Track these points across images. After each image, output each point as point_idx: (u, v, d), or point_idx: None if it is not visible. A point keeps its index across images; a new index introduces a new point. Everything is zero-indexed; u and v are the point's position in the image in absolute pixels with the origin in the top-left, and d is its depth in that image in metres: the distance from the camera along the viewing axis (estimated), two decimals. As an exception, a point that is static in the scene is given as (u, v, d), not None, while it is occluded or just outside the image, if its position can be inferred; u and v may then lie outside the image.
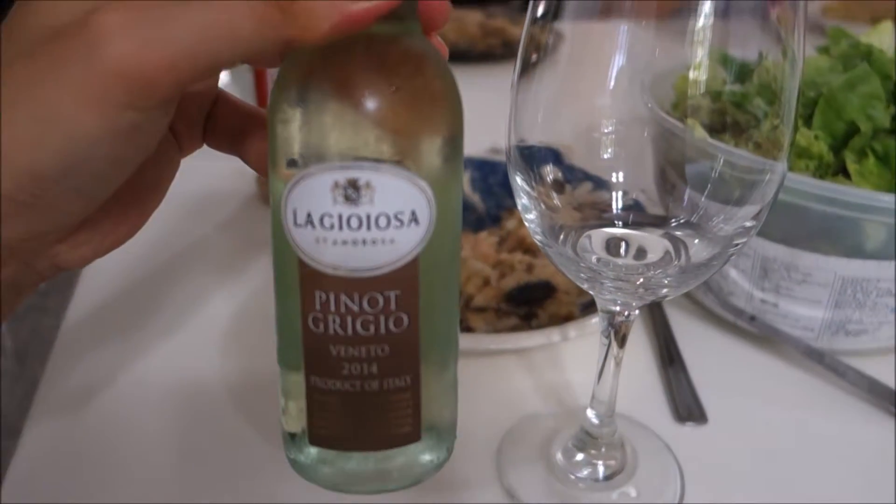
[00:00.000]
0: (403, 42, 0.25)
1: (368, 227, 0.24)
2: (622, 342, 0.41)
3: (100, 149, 0.22)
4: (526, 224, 0.38)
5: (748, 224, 0.36)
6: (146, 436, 0.45)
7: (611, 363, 0.41)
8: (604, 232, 0.39)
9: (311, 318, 0.26)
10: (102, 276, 0.59)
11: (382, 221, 0.24)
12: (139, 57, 0.21)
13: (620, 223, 0.40)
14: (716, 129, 0.38)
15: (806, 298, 0.51)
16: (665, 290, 0.37)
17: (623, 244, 0.39)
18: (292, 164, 0.25)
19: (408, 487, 0.28)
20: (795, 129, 0.35)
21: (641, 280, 0.36)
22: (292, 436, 0.29)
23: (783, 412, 0.49)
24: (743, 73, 0.39)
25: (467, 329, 0.52)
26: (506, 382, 0.51)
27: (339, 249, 0.24)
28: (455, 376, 0.30)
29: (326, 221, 0.24)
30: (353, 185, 0.24)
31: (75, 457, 0.44)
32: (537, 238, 0.38)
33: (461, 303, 0.53)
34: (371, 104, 0.24)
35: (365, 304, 0.25)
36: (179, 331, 0.54)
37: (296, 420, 0.28)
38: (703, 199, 0.38)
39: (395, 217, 0.24)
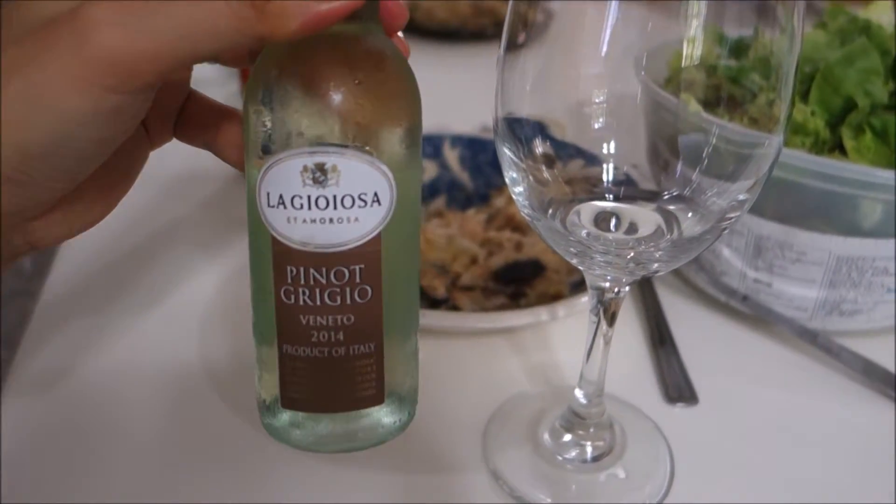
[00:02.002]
0: (366, 40, 0.28)
1: (335, 207, 0.27)
2: (611, 320, 0.39)
3: (85, 129, 0.24)
4: (514, 198, 0.37)
5: (742, 197, 0.35)
6: (123, 418, 0.44)
7: (600, 342, 0.40)
8: (594, 206, 0.38)
9: (283, 291, 0.28)
10: (81, 256, 0.57)
11: (347, 201, 0.27)
12: (125, 45, 0.23)
13: (611, 197, 0.38)
14: (710, 104, 0.37)
15: (800, 278, 0.50)
16: (656, 265, 0.36)
17: (613, 218, 0.38)
18: (266, 150, 0.27)
19: (373, 447, 0.31)
20: (793, 103, 0.34)
21: (632, 254, 0.35)
22: (266, 403, 0.32)
23: (775, 393, 0.48)
24: (739, 48, 0.38)
25: (454, 308, 0.51)
26: (493, 362, 0.50)
27: (308, 227, 0.27)
28: (416, 345, 0.32)
29: (296, 202, 0.27)
30: (321, 168, 0.27)
31: (49, 439, 0.42)
32: (525, 212, 0.37)
33: (448, 282, 0.52)
34: (336, 96, 0.27)
35: (332, 277, 0.28)
36: (159, 310, 0.53)
37: (269, 388, 0.31)
38: (696, 173, 0.37)
39: (359, 198, 0.27)
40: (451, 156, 0.66)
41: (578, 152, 0.39)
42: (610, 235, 0.38)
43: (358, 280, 0.28)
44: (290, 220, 0.27)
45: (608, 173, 0.39)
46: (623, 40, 0.36)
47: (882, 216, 0.46)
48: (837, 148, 0.49)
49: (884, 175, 0.44)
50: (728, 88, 0.37)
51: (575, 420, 0.43)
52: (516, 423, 0.45)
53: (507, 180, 0.36)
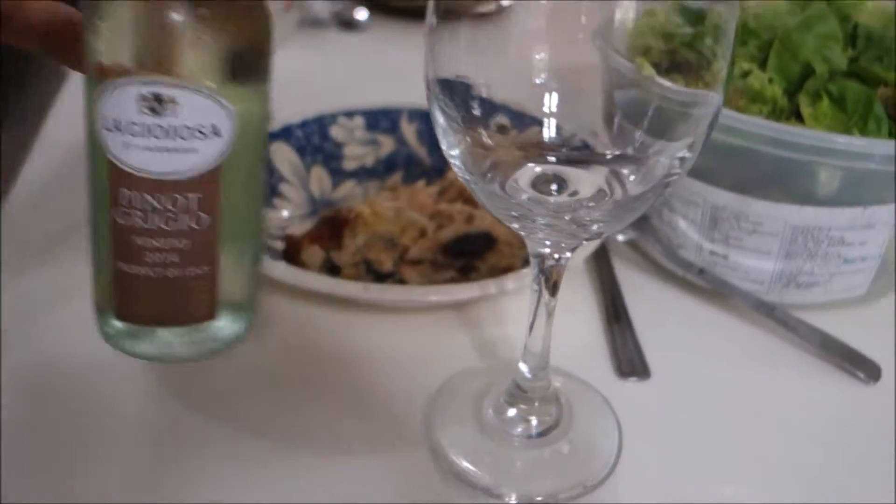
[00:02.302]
0: None
1: (172, 137, 0.27)
2: (553, 290, 0.38)
3: None
4: (450, 162, 0.35)
5: (682, 155, 0.34)
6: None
7: (542, 313, 0.39)
8: (533, 169, 0.36)
9: (119, 213, 0.28)
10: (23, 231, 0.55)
11: (185, 133, 0.27)
12: None
13: (554, 160, 0.37)
14: (665, 69, 0.36)
15: (756, 249, 0.48)
16: (597, 227, 0.34)
17: (555, 182, 0.37)
18: (102, 73, 0.27)
19: (207, 358, 0.32)
20: (732, 61, 0.33)
21: (570, 216, 0.34)
22: (101, 310, 0.32)
23: (730, 368, 0.47)
24: (695, 19, 0.37)
25: (400, 282, 0.49)
26: (442, 337, 0.48)
27: (144, 154, 0.27)
28: (256, 268, 0.33)
29: (133, 129, 0.27)
30: (158, 98, 0.27)
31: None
32: (462, 176, 0.35)
33: (396, 255, 0.50)
34: (178, 25, 0.26)
35: (167, 204, 0.28)
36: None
37: (104, 297, 0.31)
38: (640, 132, 0.35)
39: (198, 130, 0.27)
40: (409, 130, 0.64)
41: (518, 116, 0.37)
42: (551, 199, 0.36)
43: (195, 208, 0.28)
44: (126, 145, 0.27)
45: (556, 136, 0.38)
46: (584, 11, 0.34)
47: (838, 184, 0.44)
48: (795, 115, 0.48)
49: (840, 140, 0.42)
50: (683, 54, 0.36)
51: (519, 394, 0.41)
52: (462, 399, 0.43)
53: (442, 144, 0.35)
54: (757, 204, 0.46)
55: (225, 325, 0.32)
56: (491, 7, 0.36)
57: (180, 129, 0.27)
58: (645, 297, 0.52)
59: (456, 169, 0.35)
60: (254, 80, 0.29)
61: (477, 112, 0.36)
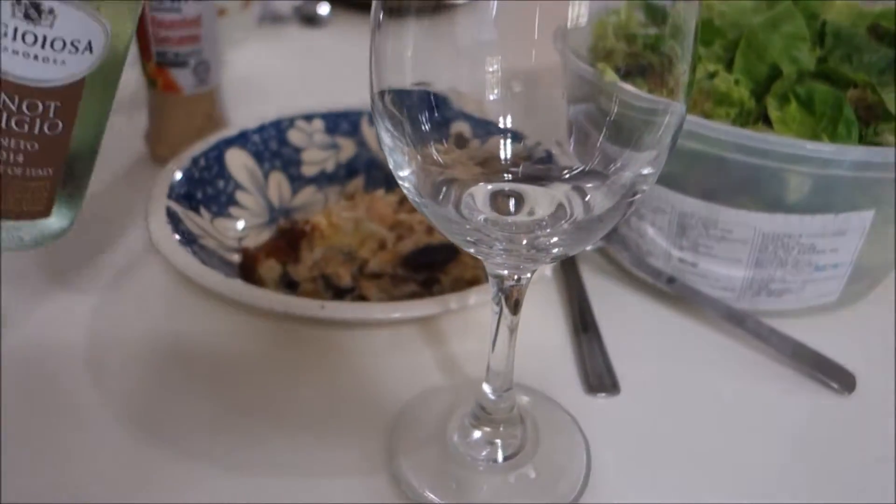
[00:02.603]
0: None
1: (43, 46, 0.27)
2: (515, 308, 0.36)
3: None
4: (400, 184, 0.33)
5: (646, 171, 0.32)
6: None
7: (504, 331, 0.37)
8: (488, 188, 0.35)
9: None
10: None
11: (58, 45, 0.27)
12: None
13: (511, 177, 0.35)
14: (629, 73, 0.34)
15: (726, 257, 0.47)
16: (557, 250, 0.32)
17: (511, 200, 0.35)
18: None
19: (36, 248, 0.32)
20: (694, 69, 0.31)
21: (526, 240, 0.32)
22: None
23: (702, 380, 0.46)
24: (658, 17, 0.36)
25: (360, 298, 0.47)
26: (404, 354, 0.46)
27: (10, 57, 0.27)
28: (90, 171, 0.33)
29: (4, 30, 0.26)
30: (36, 7, 0.26)
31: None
32: (412, 199, 0.33)
33: (355, 269, 0.48)
34: None
35: (24, 107, 0.28)
36: (65, 285, 0.50)
37: None
38: (601, 143, 0.34)
39: (72, 44, 0.27)
40: (370, 133, 0.62)
41: (479, 123, 0.35)
42: (508, 219, 0.34)
43: (51, 115, 0.28)
44: None
45: (518, 148, 0.36)
46: (544, 9, 0.33)
47: (809, 191, 0.43)
48: (763, 119, 0.46)
49: (809, 147, 0.41)
50: (646, 57, 0.34)
51: (484, 416, 0.40)
52: (425, 421, 0.42)
53: (390, 164, 0.33)
54: (726, 211, 0.45)
55: (54, 221, 0.32)
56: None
57: (55, 40, 0.27)
58: (614, 305, 0.51)
59: (406, 191, 0.33)
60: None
61: (428, 126, 0.34)
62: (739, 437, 0.42)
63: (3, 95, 0.28)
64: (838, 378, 0.45)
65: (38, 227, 0.32)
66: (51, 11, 0.27)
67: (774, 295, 0.48)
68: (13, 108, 0.28)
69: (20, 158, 0.29)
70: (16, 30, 0.26)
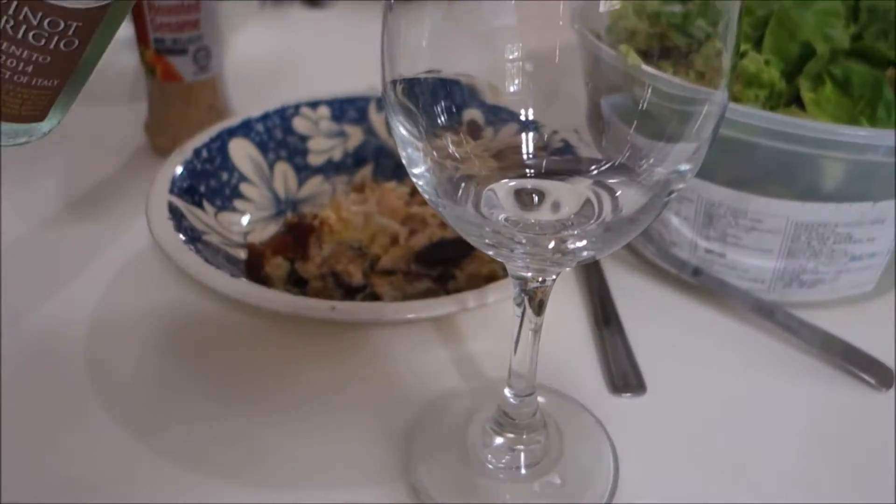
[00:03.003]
0: None
1: None
2: (539, 309, 0.34)
3: None
4: (415, 182, 0.31)
5: (683, 168, 0.30)
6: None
7: (527, 333, 0.35)
8: (511, 184, 0.32)
9: None
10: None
11: None
12: None
13: (532, 173, 0.33)
14: (654, 56, 0.32)
15: (756, 247, 0.45)
16: (585, 254, 0.30)
17: (536, 196, 0.33)
18: None
19: (18, 146, 0.31)
20: (737, 53, 0.29)
21: (553, 243, 0.30)
22: None
23: (731, 377, 0.44)
24: None
25: (373, 296, 0.45)
26: (421, 355, 0.44)
27: None
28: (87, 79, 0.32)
29: None
30: None
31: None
32: (430, 199, 0.31)
33: (366, 265, 0.46)
34: None
35: (45, 24, 0.27)
36: (66, 284, 0.48)
37: None
38: (631, 135, 0.32)
39: None
40: (378, 119, 0.60)
41: (492, 110, 0.33)
42: (532, 218, 0.32)
43: (70, 34, 0.28)
44: None
45: (535, 137, 0.34)
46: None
47: (844, 178, 0.41)
48: (795, 101, 0.44)
49: (846, 132, 0.39)
50: (673, 38, 0.32)
51: (506, 421, 0.38)
52: (444, 427, 0.40)
53: (404, 160, 0.31)
54: (756, 200, 0.43)
55: (45, 124, 0.32)
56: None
57: None
58: (636, 298, 0.49)
59: (421, 190, 0.31)
60: None
61: (444, 117, 0.32)
62: (771, 437, 0.40)
63: (25, 9, 0.27)
64: (875, 373, 0.43)
65: (27, 128, 0.32)
66: None
67: (806, 286, 0.46)
68: (34, 22, 0.27)
69: (29, 69, 0.29)
70: None
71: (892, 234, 0.43)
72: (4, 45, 0.28)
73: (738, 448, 0.39)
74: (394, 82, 0.31)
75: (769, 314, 0.45)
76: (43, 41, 0.28)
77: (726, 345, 0.46)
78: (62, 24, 0.28)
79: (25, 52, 0.28)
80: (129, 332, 0.45)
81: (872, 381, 0.42)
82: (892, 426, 0.41)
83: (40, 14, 0.27)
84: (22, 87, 0.29)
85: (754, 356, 0.45)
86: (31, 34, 0.28)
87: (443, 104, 0.32)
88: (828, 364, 0.44)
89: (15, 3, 0.27)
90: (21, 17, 0.27)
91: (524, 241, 0.30)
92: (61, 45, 0.28)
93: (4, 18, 0.27)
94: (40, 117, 0.31)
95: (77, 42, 0.29)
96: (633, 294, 0.49)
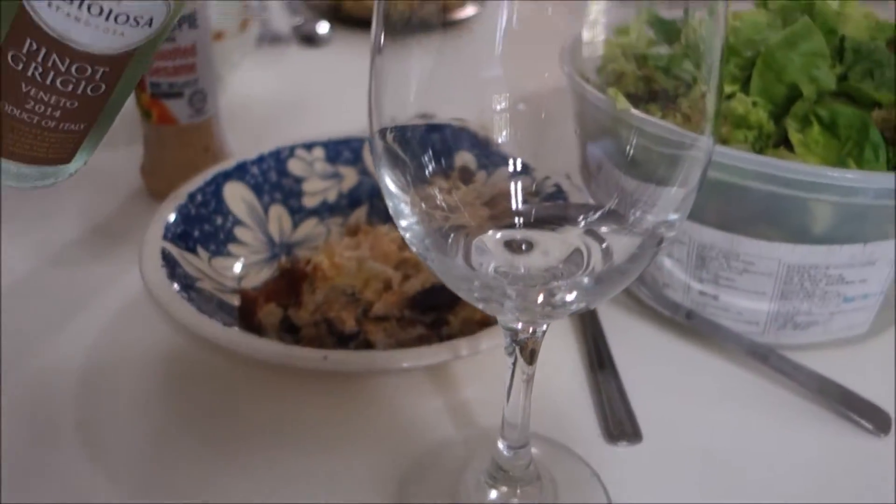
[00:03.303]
0: None
1: (107, 19, 0.26)
2: (531, 358, 0.34)
3: None
4: (402, 234, 0.31)
5: (671, 217, 0.30)
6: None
7: (520, 383, 0.35)
8: (497, 237, 0.32)
9: (12, 56, 0.27)
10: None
11: (122, 19, 0.27)
12: None
13: (520, 221, 0.33)
14: (642, 99, 0.32)
15: (748, 289, 0.45)
16: (576, 307, 0.30)
17: (524, 244, 0.33)
18: None
19: (36, 188, 0.31)
20: (721, 95, 0.29)
21: (542, 297, 0.30)
22: None
23: (726, 421, 0.43)
24: (671, 33, 0.33)
25: (366, 343, 0.45)
26: (414, 403, 0.44)
27: (70, 23, 0.26)
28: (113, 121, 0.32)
29: None
30: None
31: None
32: (417, 251, 0.31)
33: (359, 312, 0.46)
34: None
35: (73, 69, 0.28)
36: (58, 331, 0.48)
37: None
38: (621, 179, 0.32)
39: (135, 19, 0.27)
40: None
41: (484, 153, 0.33)
42: (521, 268, 0.32)
43: (97, 78, 0.28)
44: (54, 6, 0.26)
45: (528, 188, 0.34)
46: (550, 29, 0.31)
47: (834, 220, 0.41)
48: (783, 142, 0.44)
49: (834, 175, 0.39)
50: (660, 81, 0.32)
51: (499, 475, 0.37)
52: (437, 480, 0.39)
53: (390, 209, 0.31)
54: (747, 242, 0.43)
55: (71, 166, 0.32)
56: (465, 12, 0.32)
57: (120, 15, 0.27)
58: (631, 341, 0.48)
59: (409, 242, 0.31)
60: None
61: (435, 162, 0.32)
62: (769, 484, 0.40)
63: (53, 55, 0.27)
64: (872, 418, 0.42)
65: (56, 171, 0.32)
66: None
67: (801, 328, 0.45)
68: (62, 68, 0.28)
69: (57, 114, 0.29)
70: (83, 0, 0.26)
71: (883, 275, 0.43)
72: (33, 91, 0.28)
73: (734, 498, 0.39)
74: (381, 131, 0.31)
75: (764, 358, 0.45)
76: (70, 86, 0.28)
77: (722, 389, 0.45)
78: (89, 70, 0.28)
79: (53, 98, 0.29)
80: (121, 378, 0.45)
81: (870, 427, 0.42)
82: (891, 472, 0.40)
83: (68, 60, 0.28)
84: (49, 132, 0.30)
85: (750, 401, 0.45)
86: (59, 80, 0.28)
87: (434, 149, 0.32)
88: (825, 408, 0.44)
89: (44, 50, 0.27)
90: (49, 64, 0.27)
91: (514, 294, 0.30)
92: (88, 89, 0.29)
93: (33, 65, 0.27)
94: (67, 160, 0.32)
95: (104, 86, 0.29)
96: (627, 337, 0.49)
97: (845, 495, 0.39)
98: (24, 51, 0.27)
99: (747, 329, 0.46)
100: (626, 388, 0.45)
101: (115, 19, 0.27)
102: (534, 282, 0.32)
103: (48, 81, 0.28)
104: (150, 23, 0.28)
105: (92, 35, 0.27)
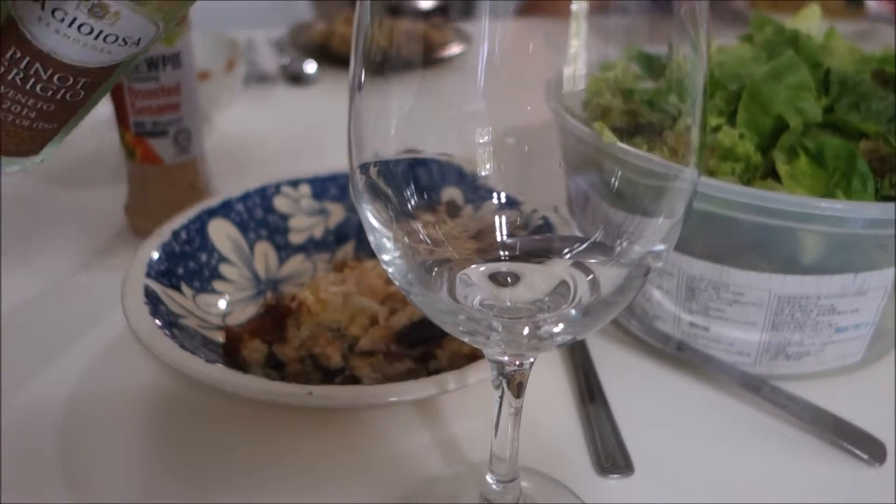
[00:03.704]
0: None
1: (96, 39, 0.27)
2: (518, 391, 0.34)
3: None
4: (384, 267, 0.30)
5: (658, 248, 0.29)
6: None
7: (507, 416, 0.34)
8: (480, 269, 0.32)
9: None
10: None
11: (111, 39, 0.27)
12: None
13: (506, 254, 0.32)
14: (628, 133, 0.32)
15: (739, 320, 0.44)
16: (562, 339, 0.30)
17: (509, 276, 0.32)
18: None
19: (16, 173, 0.32)
20: (705, 128, 0.29)
21: (528, 329, 0.29)
22: None
23: (719, 453, 0.42)
24: (657, 68, 0.33)
25: (352, 378, 0.44)
26: (401, 439, 0.43)
27: (58, 39, 0.27)
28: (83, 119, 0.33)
29: (59, 14, 0.26)
30: (104, 7, 0.26)
31: None
32: (401, 286, 0.31)
33: (345, 347, 0.45)
34: None
35: (55, 78, 0.28)
36: (41, 370, 0.47)
37: None
38: (607, 212, 0.31)
39: (123, 39, 0.28)
40: (359, 197, 0.60)
41: (471, 186, 0.33)
42: (507, 301, 0.32)
43: (79, 88, 0.29)
44: (43, 21, 0.26)
45: (515, 221, 0.33)
46: (536, 63, 0.30)
47: (823, 250, 0.41)
48: (770, 174, 0.44)
49: (822, 205, 0.38)
50: (645, 114, 0.32)
51: (489, 511, 0.36)
52: (424, 516, 0.38)
53: (372, 245, 0.30)
54: (736, 274, 0.42)
55: (38, 157, 0.33)
56: (453, 50, 0.32)
57: (109, 35, 0.27)
58: (621, 373, 0.48)
59: (392, 276, 0.30)
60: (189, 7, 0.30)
61: (416, 199, 0.31)
62: (766, 519, 0.39)
63: (37, 65, 0.28)
64: (867, 447, 0.42)
65: (24, 161, 0.33)
66: (116, 13, 0.27)
67: (793, 358, 0.45)
68: (44, 77, 0.28)
69: (32, 115, 0.30)
70: (74, 19, 0.26)
71: (875, 305, 0.43)
72: (11, 93, 0.29)
73: (729, 530, 0.38)
74: (364, 165, 0.30)
75: (756, 389, 0.45)
76: (50, 93, 0.29)
77: (714, 420, 0.45)
78: (71, 80, 0.29)
79: (31, 101, 0.29)
80: (105, 416, 0.44)
81: (865, 457, 0.41)
82: (888, 501, 0.39)
83: (51, 70, 0.28)
84: (23, 129, 0.30)
85: (743, 432, 0.44)
86: (38, 86, 0.29)
87: (419, 183, 0.32)
88: (818, 438, 0.43)
89: (27, 59, 0.27)
90: (32, 72, 0.28)
91: (500, 327, 0.30)
92: (67, 96, 0.29)
93: (14, 71, 0.28)
94: (35, 152, 0.32)
95: (83, 94, 0.30)
96: (617, 369, 0.48)
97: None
98: (8, 57, 0.27)
99: (739, 360, 0.46)
100: (616, 421, 0.44)
101: (105, 39, 0.27)
102: (520, 314, 0.31)
103: (28, 86, 0.28)
104: (138, 42, 0.28)
105: (79, 51, 0.27)
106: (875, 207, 0.38)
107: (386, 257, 0.30)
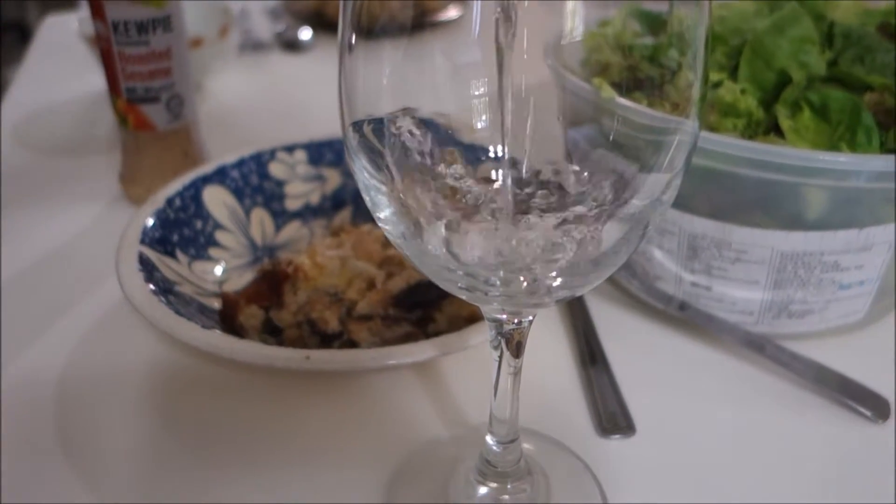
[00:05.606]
0: None
1: None
2: (517, 351, 0.33)
3: None
4: (379, 224, 0.30)
5: (657, 199, 0.29)
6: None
7: (507, 377, 0.34)
8: (481, 224, 0.31)
9: None
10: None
11: None
12: None
13: (505, 210, 0.32)
14: (627, 88, 0.31)
15: (742, 279, 0.44)
16: (562, 293, 0.29)
17: (507, 235, 0.31)
18: None
19: None
20: (706, 81, 0.28)
21: (526, 283, 0.29)
22: None
23: (722, 413, 0.42)
24: (656, 25, 0.33)
25: (350, 343, 0.44)
26: (401, 402, 0.43)
27: None
28: None
29: None
30: None
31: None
32: (395, 241, 0.30)
33: (343, 312, 0.45)
34: None
35: None
36: (37, 340, 0.47)
37: None
38: (606, 168, 0.31)
39: None
40: (356, 162, 0.59)
41: (468, 151, 0.32)
42: (505, 255, 0.31)
43: None
44: None
45: (513, 179, 0.33)
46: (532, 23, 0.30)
47: (827, 205, 0.40)
48: (773, 129, 0.43)
49: (826, 158, 0.38)
50: (645, 69, 0.31)
51: (489, 470, 0.36)
52: (425, 479, 0.38)
53: (367, 203, 0.30)
54: (739, 231, 0.42)
55: None
56: (450, 14, 0.32)
57: None
58: (623, 335, 0.47)
59: (388, 234, 0.30)
60: None
61: (415, 157, 0.31)
62: (766, 475, 0.39)
63: None
64: (870, 404, 0.41)
65: None
66: None
67: (796, 317, 0.44)
68: None
69: None
70: None
71: (879, 260, 0.42)
72: None
73: (731, 489, 0.38)
74: (357, 123, 0.30)
75: (759, 348, 0.44)
76: None
77: (716, 380, 0.44)
78: None
79: None
80: (101, 385, 0.44)
81: (868, 414, 0.41)
82: (891, 458, 0.39)
83: None
84: None
85: (746, 391, 0.43)
86: None
87: (417, 141, 0.31)
88: (822, 397, 0.43)
89: None
90: None
91: (498, 282, 0.29)
92: None
93: None
94: None
95: None
96: (619, 331, 0.48)
97: (845, 483, 0.38)
98: None
99: (741, 319, 0.45)
100: (618, 382, 0.43)
101: None
102: (518, 269, 0.31)
103: None
104: None
105: None
106: (880, 160, 0.37)
107: (382, 215, 0.29)
